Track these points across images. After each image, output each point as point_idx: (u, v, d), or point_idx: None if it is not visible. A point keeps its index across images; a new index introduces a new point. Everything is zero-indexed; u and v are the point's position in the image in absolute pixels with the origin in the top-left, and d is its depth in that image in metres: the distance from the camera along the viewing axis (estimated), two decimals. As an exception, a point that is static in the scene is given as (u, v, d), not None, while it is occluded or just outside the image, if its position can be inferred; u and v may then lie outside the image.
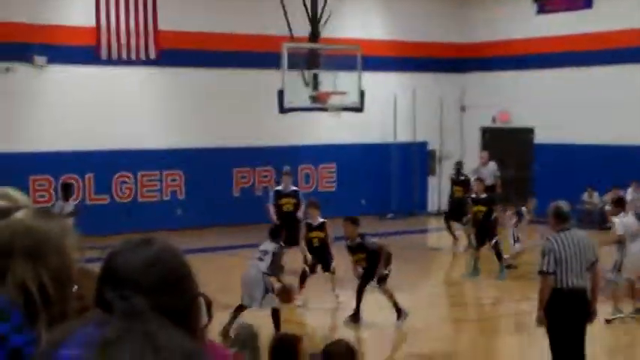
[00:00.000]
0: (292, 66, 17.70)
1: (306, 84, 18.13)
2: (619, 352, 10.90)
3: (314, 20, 18.77)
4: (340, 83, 18.17)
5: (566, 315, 7.97)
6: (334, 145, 23.47)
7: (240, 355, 6.54)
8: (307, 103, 18.30)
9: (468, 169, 20.85)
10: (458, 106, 26.00)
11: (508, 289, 14.89)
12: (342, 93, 18.26)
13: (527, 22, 24.24)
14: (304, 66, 18.23)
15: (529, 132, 24.66)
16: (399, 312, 12.06)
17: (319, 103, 18.28)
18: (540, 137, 24.30)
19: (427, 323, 13.06)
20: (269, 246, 11.84)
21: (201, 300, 2.29)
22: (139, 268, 2.16)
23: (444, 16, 25.52)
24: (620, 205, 12.68)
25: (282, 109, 17.78)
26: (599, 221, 21.87)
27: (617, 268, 12.11)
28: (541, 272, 8.04)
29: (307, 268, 13.60)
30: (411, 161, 22.88)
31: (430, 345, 11.77)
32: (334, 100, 18.31)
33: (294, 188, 16.83)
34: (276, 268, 11.96)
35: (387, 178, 24.04)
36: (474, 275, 15.46)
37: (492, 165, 21.43)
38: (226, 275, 15.94)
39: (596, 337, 8.77)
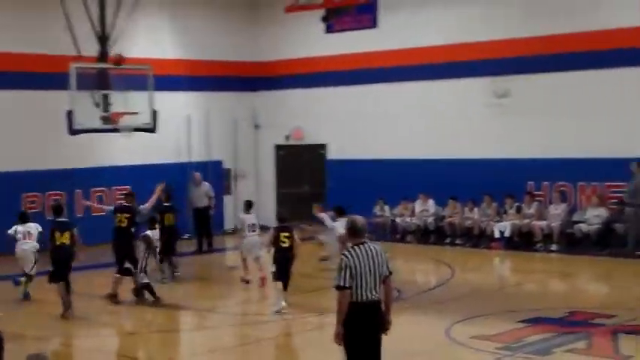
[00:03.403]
0: (81, 86, 17.22)
1: (97, 105, 17.70)
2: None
3: (103, 39, 18.35)
4: (132, 103, 17.87)
5: (361, 328, 8.13)
6: (128, 166, 23.04)
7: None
8: (98, 124, 17.86)
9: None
10: (251, 124, 26.20)
11: (301, 302, 15.10)
12: (134, 113, 17.95)
13: (316, 41, 24.79)
14: (94, 86, 17.78)
15: (322, 148, 25.20)
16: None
17: (111, 123, 17.88)
18: (332, 153, 24.89)
19: (229, 342, 13.04)
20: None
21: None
22: None
23: (235, 35, 25.67)
24: (340, 212, 16.34)
25: (72, 131, 17.26)
26: (391, 232, 22.71)
27: None
28: (338, 287, 8.16)
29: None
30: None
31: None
32: (126, 121, 17.98)
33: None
34: None
35: (184, 198, 23.82)
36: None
37: (206, 185, 21.88)
38: (13, 304, 15.27)
39: (391, 347, 9.02)
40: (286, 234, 14.53)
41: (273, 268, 14.50)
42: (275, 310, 14.12)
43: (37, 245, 15.80)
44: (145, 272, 15.12)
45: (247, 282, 16.72)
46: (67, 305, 14.21)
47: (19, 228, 15.85)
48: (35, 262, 15.75)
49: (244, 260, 16.97)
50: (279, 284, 14.35)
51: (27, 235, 15.79)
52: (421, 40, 22.77)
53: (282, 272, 14.40)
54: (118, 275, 15.45)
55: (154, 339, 13.48)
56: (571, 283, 17.66)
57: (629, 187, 19.28)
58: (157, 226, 15.64)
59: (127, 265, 15.36)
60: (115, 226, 15.86)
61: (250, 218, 17.04)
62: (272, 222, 24.30)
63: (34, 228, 15.95)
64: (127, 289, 15.52)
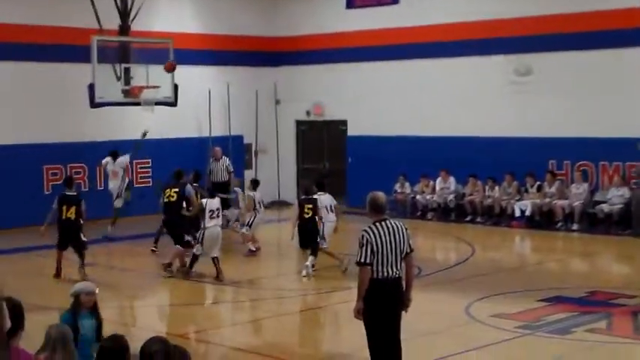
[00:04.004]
0: (103, 59, 17.21)
1: (118, 78, 17.68)
2: (433, 338, 11.27)
3: (124, 12, 18.31)
4: (153, 77, 17.85)
5: (381, 304, 8.12)
6: (149, 140, 23.04)
7: (51, 358, 6.24)
8: (119, 98, 17.86)
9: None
10: (272, 99, 26.14)
11: (322, 278, 15.12)
12: (155, 87, 17.94)
13: (337, 17, 24.67)
14: (115, 59, 17.76)
15: (342, 124, 25.14)
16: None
17: (131, 97, 17.88)
18: (353, 129, 24.82)
19: (250, 316, 13.08)
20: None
21: (3, 304, 2.14)
22: None
23: (257, 10, 25.60)
24: (320, 187, 15.98)
25: (93, 104, 17.28)
26: (411, 209, 22.65)
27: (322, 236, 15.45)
28: (359, 263, 8.14)
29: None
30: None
31: (252, 338, 11.78)
32: (147, 95, 17.96)
33: None
34: None
35: (203, 172, 23.81)
36: None
37: (226, 160, 21.84)
38: (38, 276, 15.40)
39: (411, 324, 9.02)
40: (310, 205, 15.28)
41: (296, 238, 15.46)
42: (303, 274, 15.06)
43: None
44: (201, 243, 15.02)
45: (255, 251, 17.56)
46: (59, 271, 15.00)
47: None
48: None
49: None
50: (306, 252, 15.39)
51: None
52: (443, 17, 22.58)
53: (305, 241, 15.34)
54: (180, 247, 15.57)
55: (174, 312, 13.55)
56: (592, 262, 17.58)
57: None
58: (215, 195, 15.63)
59: (188, 238, 15.52)
60: (165, 201, 15.93)
61: (258, 196, 17.74)
62: (293, 197, 24.52)
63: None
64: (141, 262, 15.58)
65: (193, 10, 24.46)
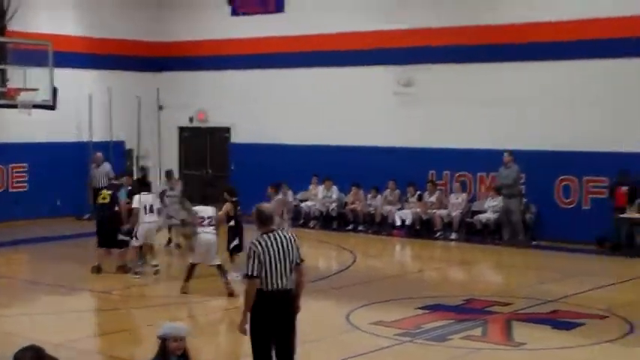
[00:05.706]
0: (-23, 60, 16.70)
1: (-7, 79, 17.19)
2: (313, 345, 11.29)
3: (0, 12, 17.79)
4: (31, 79, 17.43)
5: (269, 317, 7.98)
6: (26, 144, 22.44)
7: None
8: (-6, 100, 17.36)
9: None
10: (155, 105, 25.81)
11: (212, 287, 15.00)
12: (33, 90, 17.51)
13: (222, 24, 24.58)
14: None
15: (225, 131, 25.03)
16: None
17: (8, 99, 17.40)
18: (236, 137, 24.74)
19: (128, 325, 12.85)
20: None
21: None
22: None
23: (140, 15, 25.27)
24: (144, 186, 16.70)
25: (-33, 106, 16.73)
26: (294, 218, 22.69)
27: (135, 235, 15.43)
28: (246, 276, 8.03)
29: None
30: (108, 161, 22.39)
31: (131, 347, 11.58)
32: (24, 97, 17.51)
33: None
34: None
35: (84, 177, 23.33)
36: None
37: (107, 165, 21.62)
38: None
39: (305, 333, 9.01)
40: (238, 207, 15.33)
41: (235, 242, 15.21)
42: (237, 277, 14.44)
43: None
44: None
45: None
46: None
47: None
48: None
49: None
50: (233, 256, 15.25)
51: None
52: (328, 27, 22.78)
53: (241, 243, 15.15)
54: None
55: (49, 320, 13.15)
56: (469, 271, 17.99)
57: (506, 176, 19.67)
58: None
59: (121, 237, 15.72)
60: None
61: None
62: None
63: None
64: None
65: (74, 13, 23.94)
